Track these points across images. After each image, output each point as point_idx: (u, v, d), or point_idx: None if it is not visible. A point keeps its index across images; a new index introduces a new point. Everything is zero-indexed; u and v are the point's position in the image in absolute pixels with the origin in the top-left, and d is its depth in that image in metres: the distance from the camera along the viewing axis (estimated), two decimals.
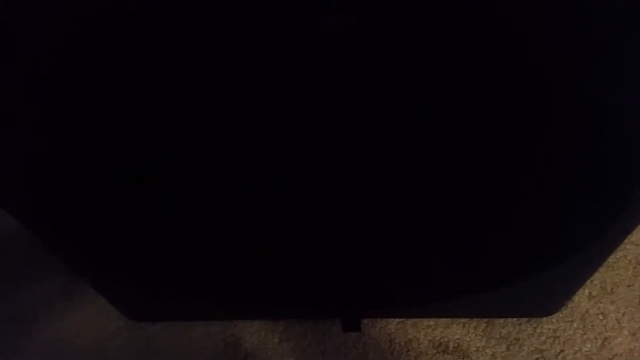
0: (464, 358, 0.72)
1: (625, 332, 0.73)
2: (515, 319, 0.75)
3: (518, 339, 0.73)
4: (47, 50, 0.34)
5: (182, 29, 0.32)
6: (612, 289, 0.77)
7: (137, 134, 0.41)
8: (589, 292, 0.76)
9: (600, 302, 0.75)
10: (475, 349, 0.73)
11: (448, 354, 0.73)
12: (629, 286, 0.77)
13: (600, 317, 0.74)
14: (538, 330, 0.73)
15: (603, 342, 0.72)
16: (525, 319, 0.75)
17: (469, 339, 0.73)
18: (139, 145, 0.43)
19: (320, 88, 0.37)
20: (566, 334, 0.73)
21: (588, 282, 0.76)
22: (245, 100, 0.38)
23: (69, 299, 0.80)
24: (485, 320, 0.75)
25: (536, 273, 0.62)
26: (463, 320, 0.75)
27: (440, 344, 0.73)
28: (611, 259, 0.79)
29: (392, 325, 0.75)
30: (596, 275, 0.78)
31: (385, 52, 0.34)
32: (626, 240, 0.77)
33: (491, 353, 0.72)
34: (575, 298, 0.76)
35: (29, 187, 0.47)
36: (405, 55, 0.34)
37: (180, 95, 0.37)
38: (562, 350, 0.72)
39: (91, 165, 0.45)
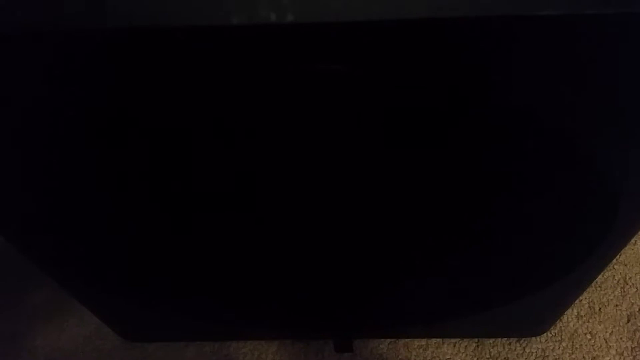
0: None
1: (613, 352, 0.74)
2: (505, 338, 0.76)
3: (507, 359, 0.74)
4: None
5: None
6: (600, 308, 0.78)
7: (126, 150, 0.41)
8: (578, 312, 0.78)
9: (589, 322, 0.77)
10: None
11: None
12: (616, 306, 0.78)
13: (589, 336, 0.75)
14: (527, 350, 0.74)
15: None
16: (515, 339, 0.76)
17: (459, 359, 0.74)
18: (127, 161, 0.43)
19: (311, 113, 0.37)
20: (555, 354, 0.74)
21: (577, 302, 0.78)
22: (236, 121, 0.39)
23: (63, 319, 0.81)
24: (476, 340, 0.76)
25: (525, 295, 0.63)
26: (454, 340, 0.76)
27: None
28: (599, 279, 0.80)
29: (384, 345, 0.76)
30: (585, 295, 0.79)
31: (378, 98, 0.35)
32: (614, 260, 0.78)
33: None
34: (564, 318, 0.77)
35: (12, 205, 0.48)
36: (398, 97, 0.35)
37: (176, 110, 0.37)
38: None
39: (84, 185, 0.45)
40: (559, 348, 0.75)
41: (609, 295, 0.79)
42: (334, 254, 0.55)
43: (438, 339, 0.76)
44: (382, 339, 0.77)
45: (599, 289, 0.80)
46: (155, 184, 0.45)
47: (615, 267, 0.81)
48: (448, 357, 0.75)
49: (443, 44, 0.30)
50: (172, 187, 0.46)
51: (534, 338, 0.76)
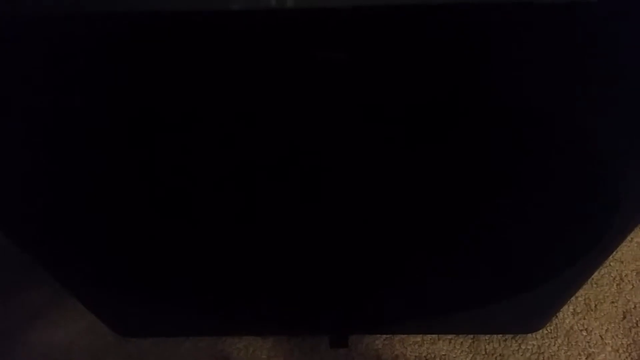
0: None
1: (609, 349, 0.74)
2: (501, 335, 0.76)
3: (503, 355, 0.74)
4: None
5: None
6: (596, 305, 0.78)
7: (119, 137, 0.41)
8: (574, 309, 0.77)
9: (584, 319, 0.77)
10: None
11: None
12: (612, 303, 0.78)
13: (584, 333, 0.75)
14: (523, 347, 0.74)
15: (587, 358, 0.73)
16: (511, 336, 0.75)
17: (454, 355, 0.74)
18: (127, 156, 0.43)
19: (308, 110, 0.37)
20: (550, 350, 0.74)
21: (572, 298, 0.78)
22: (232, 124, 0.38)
23: (58, 315, 0.81)
24: (471, 336, 0.76)
25: (522, 292, 0.63)
26: (449, 336, 0.76)
27: None
28: (595, 275, 0.80)
29: (379, 341, 0.76)
30: (580, 291, 0.79)
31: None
32: (610, 257, 0.78)
33: None
34: (560, 314, 0.77)
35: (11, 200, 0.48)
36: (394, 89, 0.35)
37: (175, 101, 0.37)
38: None
39: (85, 183, 0.45)
40: (554, 345, 0.75)
41: (605, 292, 0.79)
42: (329, 250, 0.54)
43: (433, 335, 0.76)
44: (378, 335, 0.77)
45: (594, 285, 0.80)
46: (154, 179, 0.45)
47: (611, 264, 0.81)
48: (443, 353, 0.74)
49: (443, 31, 0.30)
50: (169, 182, 0.45)
51: (529, 335, 0.76)
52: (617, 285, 0.80)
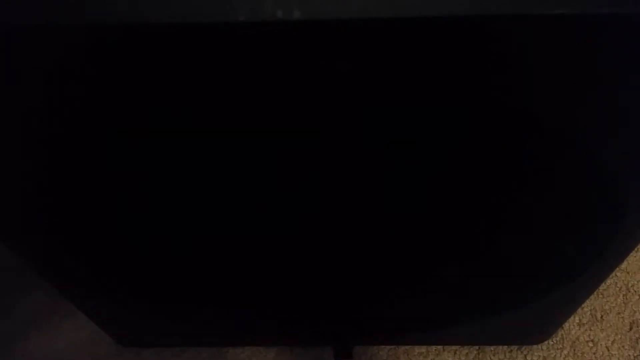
0: None
1: None
2: (506, 346, 0.75)
3: None
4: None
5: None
6: (602, 316, 0.77)
7: (121, 155, 0.41)
8: (579, 320, 0.77)
9: (591, 330, 0.76)
10: None
11: None
12: (618, 314, 0.77)
13: (590, 344, 0.75)
14: (529, 358, 0.74)
15: None
16: (516, 347, 0.75)
17: None
18: (131, 166, 0.42)
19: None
20: None
21: (578, 309, 0.77)
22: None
23: (57, 323, 0.80)
24: (477, 347, 0.75)
25: (528, 302, 0.62)
26: (454, 347, 0.75)
27: None
28: (601, 286, 0.79)
29: (384, 352, 0.75)
30: (586, 302, 0.78)
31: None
32: (616, 268, 0.77)
33: None
34: (566, 325, 0.76)
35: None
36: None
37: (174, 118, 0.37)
38: None
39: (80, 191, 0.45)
40: (560, 356, 0.74)
41: (611, 303, 0.78)
42: (333, 260, 0.54)
43: (438, 346, 0.75)
44: (382, 346, 0.76)
45: (600, 296, 0.79)
46: (156, 189, 0.45)
47: (618, 274, 0.81)
48: None
49: (453, 43, 0.29)
50: (171, 193, 0.45)
51: (535, 346, 0.75)
52: (624, 296, 0.79)
